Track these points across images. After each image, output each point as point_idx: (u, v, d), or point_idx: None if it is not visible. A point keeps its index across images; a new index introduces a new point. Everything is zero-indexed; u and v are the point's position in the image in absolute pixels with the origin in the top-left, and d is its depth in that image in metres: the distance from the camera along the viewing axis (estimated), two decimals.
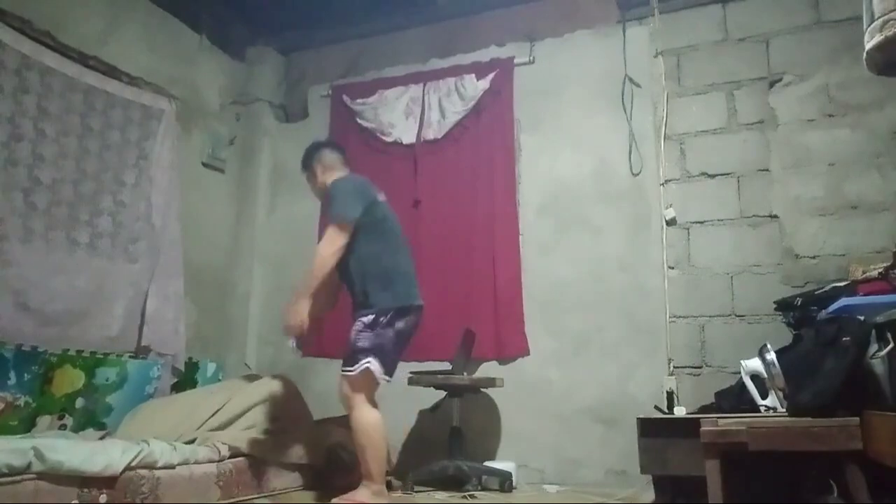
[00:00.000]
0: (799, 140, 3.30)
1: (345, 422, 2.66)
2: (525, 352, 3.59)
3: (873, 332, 2.00)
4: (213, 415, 2.85)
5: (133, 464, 2.19)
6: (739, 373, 2.54)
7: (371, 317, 2.52)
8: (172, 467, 2.34)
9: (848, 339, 2.03)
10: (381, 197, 2.76)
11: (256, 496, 2.69)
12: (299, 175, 4.31)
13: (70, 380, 3.06)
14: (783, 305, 2.93)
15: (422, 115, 4.00)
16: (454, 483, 3.07)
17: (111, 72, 3.50)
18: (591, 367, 3.45)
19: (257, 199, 4.36)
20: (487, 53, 3.99)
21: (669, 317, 3.36)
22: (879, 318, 1.97)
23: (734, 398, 2.59)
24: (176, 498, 2.30)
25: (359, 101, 4.19)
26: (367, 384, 2.51)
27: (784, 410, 2.26)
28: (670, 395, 3.09)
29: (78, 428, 3.02)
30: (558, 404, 3.47)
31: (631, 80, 3.64)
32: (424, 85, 4.04)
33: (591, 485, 3.21)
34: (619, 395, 3.36)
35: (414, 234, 3.84)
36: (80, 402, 3.08)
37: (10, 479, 1.90)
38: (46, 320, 3.06)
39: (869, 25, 1.63)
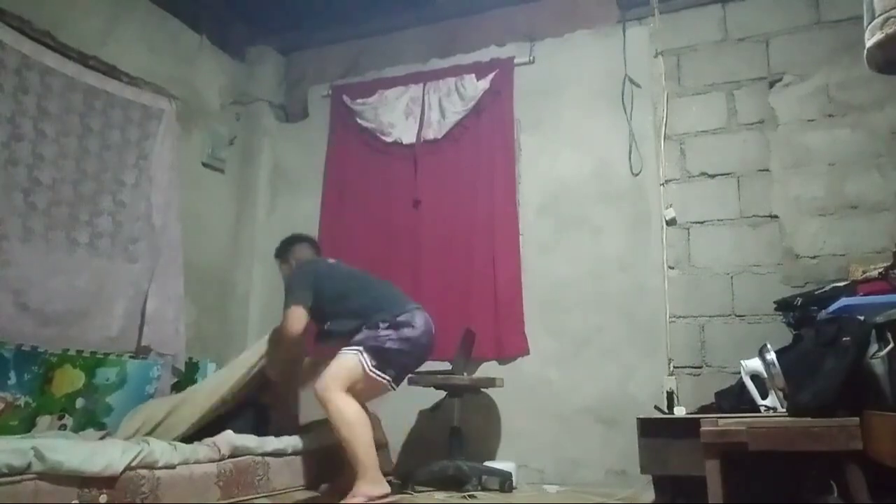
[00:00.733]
0: (799, 140, 3.30)
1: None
2: (525, 352, 3.59)
3: (873, 332, 2.00)
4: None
5: (133, 464, 2.19)
6: (739, 373, 2.53)
7: (366, 328, 2.71)
8: (172, 467, 2.34)
9: (848, 339, 2.03)
10: (330, 260, 3.11)
11: (256, 496, 2.69)
12: (299, 175, 4.38)
13: (70, 380, 3.06)
14: (783, 305, 2.93)
15: (422, 115, 4.00)
16: (454, 483, 3.07)
17: (111, 72, 3.49)
18: (591, 367, 3.45)
19: (257, 199, 4.36)
20: (487, 53, 3.99)
21: (669, 317, 3.36)
22: (879, 318, 1.97)
23: (734, 398, 2.59)
24: (176, 498, 2.30)
25: (359, 101, 4.19)
26: (351, 374, 2.60)
27: (784, 410, 2.25)
28: (670, 395, 3.09)
29: (78, 428, 3.01)
30: (558, 404, 3.47)
31: (631, 80, 3.64)
32: (424, 85, 4.04)
33: (591, 485, 3.21)
34: (619, 395, 3.36)
35: (414, 234, 3.87)
36: (80, 403, 3.08)
37: (9, 479, 1.90)
38: (46, 320, 3.05)
39: (869, 23, 1.62)
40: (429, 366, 3.39)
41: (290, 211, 4.30)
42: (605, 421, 3.36)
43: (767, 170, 3.34)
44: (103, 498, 2.08)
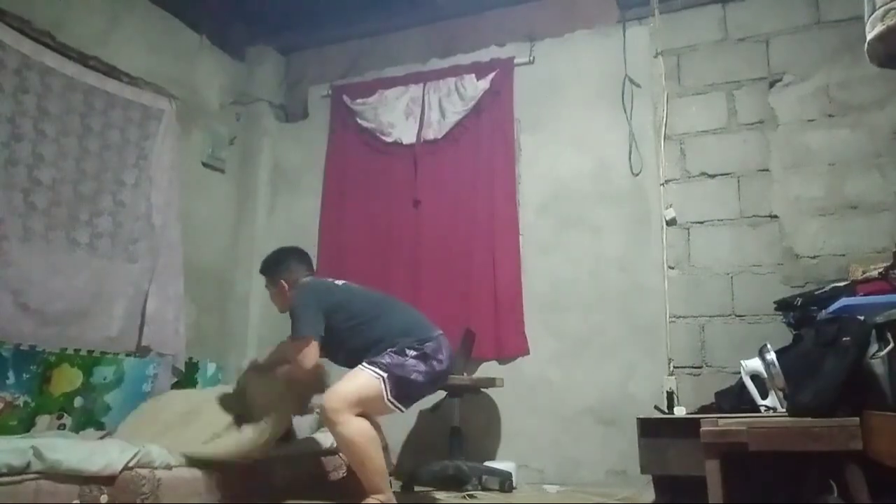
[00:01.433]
0: (799, 140, 3.30)
1: None
2: (525, 352, 3.59)
3: (873, 332, 2.00)
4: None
5: (131, 464, 2.18)
6: (739, 373, 2.53)
7: (399, 350, 2.40)
8: (170, 468, 2.34)
9: (848, 339, 2.03)
10: (338, 282, 2.70)
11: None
12: (299, 175, 4.38)
13: (68, 379, 3.06)
14: (783, 305, 2.93)
15: (422, 115, 4.00)
16: (454, 483, 3.07)
17: (111, 72, 3.50)
18: (591, 367, 3.45)
19: (257, 199, 4.36)
20: (487, 53, 3.99)
21: (669, 317, 3.36)
22: (879, 318, 1.96)
23: (734, 398, 2.59)
24: (176, 498, 2.30)
25: (359, 101, 4.19)
26: (367, 399, 2.33)
27: (784, 410, 2.25)
28: (670, 395, 3.09)
29: (77, 427, 3.01)
30: (558, 404, 3.47)
31: (631, 80, 3.64)
32: (424, 85, 4.04)
33: (591, 485, 3.21)
34: (619, 395, 3.36)
35: (414, 234, 3.87)
36: (78, 402, 3.08)
37: (10, 478, 1.90)
38: (46, 320, 3.06)
39: (870, 16, 1.62)
40: None
41: (290, 211, 4.30)
42: (605, 421, 3.36)
43: (767, 170, 3.34)
44: (104, 498, 2.08)
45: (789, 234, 3.24)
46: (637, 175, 3.56)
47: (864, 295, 2.48)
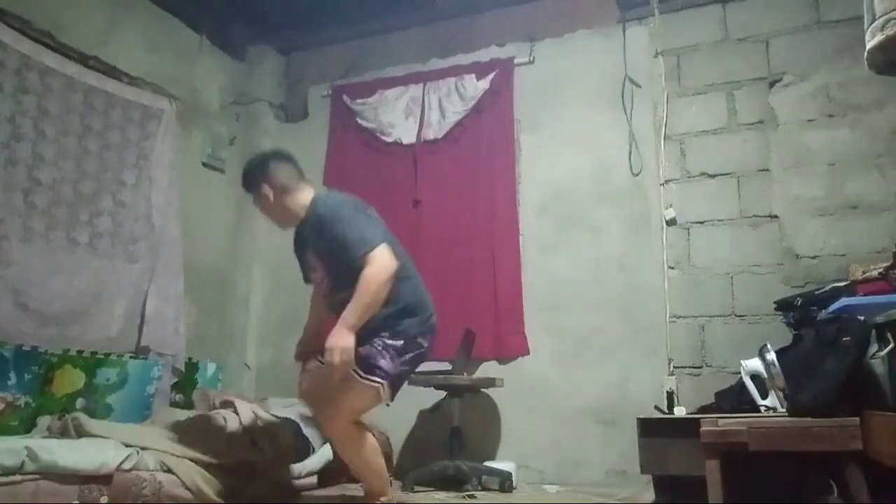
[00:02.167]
0: (799, 140, 3.30)
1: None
2: (525, 352, 3.59)
3: (873, 332, 2.00)
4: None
5: (126, 466, 2.18)
6: (739, 373, 2.54)
7: (401, 342, 2.25)
8: (169, 470, 2.33)
9: (848, 339, 2.04)
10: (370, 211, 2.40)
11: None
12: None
13: (70, 380, 3.05)
14: (783, 305, 2.93)
15: (422, 115, 4.00)
16: (454, 483, 3.07)
17: (111, 72, 3.49)
18: (591, 367, 3.46)
19: None
20: (487, 53, 3.99)
21: (669, 317, 3.36)
22: (879, 318, 1.97)
23: (734, 398, 2.59)
24: (177, 499, 2.30)
25: (359, 101, 4.19)
26: (366, 408, 2.29)
27: (784, 410, 2.26)
28: (670, 395, 3.09)
29: None
30: (558, 404, 3.47)
31: (631, 80, 3.64)
32: (424, 85, 4.04)
33: (591, 485, 3.21)
34: (619, 395, 3.36)
35: (414, 234, 3.86)
36: (80, 403, 3.07)
37: (10, 479, 1.90)
38: (46, 320, 3.05)
39: (870, 25, 1.62)
40: (429, 366, 3.40)
41: None
42: (605, 421, 3.36)
43: (767, 170, 3.34)
44: (104, 499, 2.08)
45: (789, 234, 3.24)
46: (637, 175, 3.56)
47: (864, 295, 2.48)
